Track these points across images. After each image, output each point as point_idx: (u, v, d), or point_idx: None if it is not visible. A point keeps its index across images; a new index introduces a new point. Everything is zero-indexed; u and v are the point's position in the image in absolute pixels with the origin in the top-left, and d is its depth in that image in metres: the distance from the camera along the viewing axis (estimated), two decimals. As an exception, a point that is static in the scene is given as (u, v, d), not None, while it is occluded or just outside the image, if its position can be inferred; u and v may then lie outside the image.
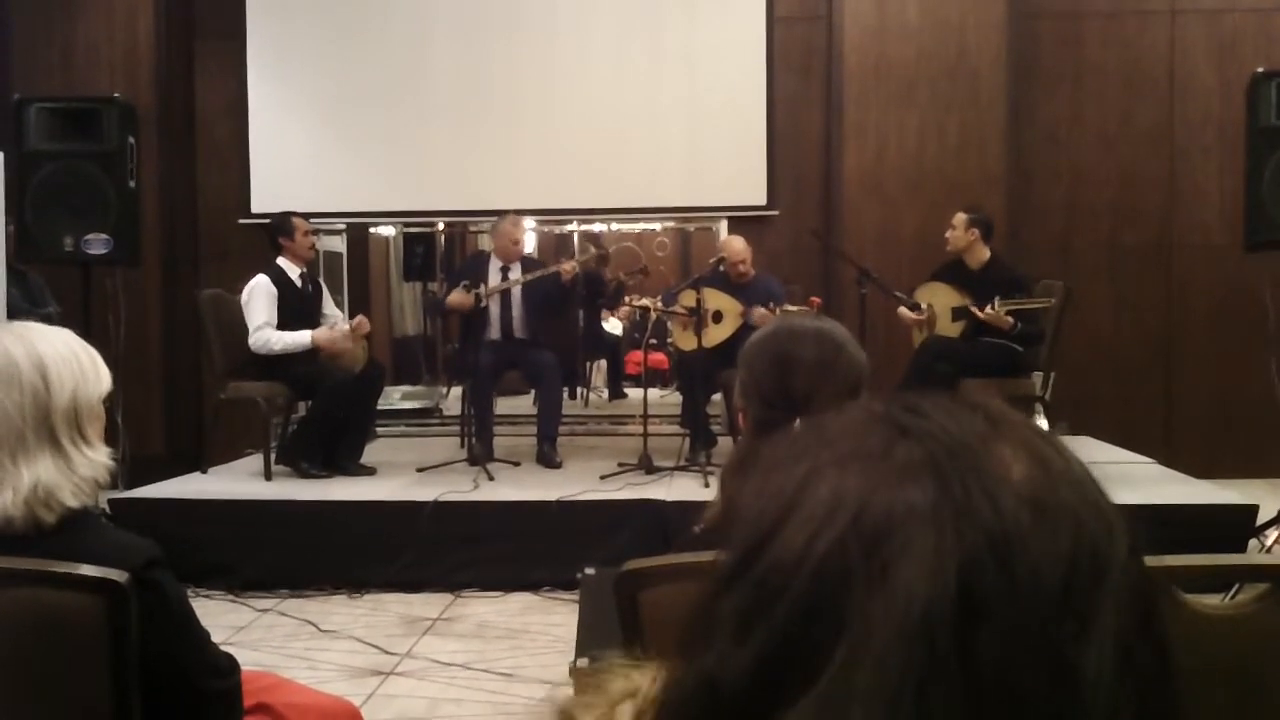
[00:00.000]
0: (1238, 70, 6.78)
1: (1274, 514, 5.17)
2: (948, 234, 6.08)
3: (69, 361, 1.79)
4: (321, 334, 6.13)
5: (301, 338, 6.07)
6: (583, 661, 2.29)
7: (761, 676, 0.58)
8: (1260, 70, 5.61)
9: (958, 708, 0.54)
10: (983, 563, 0.56)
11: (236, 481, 6.07)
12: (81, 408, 1.79)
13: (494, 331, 6.53)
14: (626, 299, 6.80)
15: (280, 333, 6.05)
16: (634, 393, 9.26)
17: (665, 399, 8.53)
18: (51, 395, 1.75)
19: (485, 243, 7.00)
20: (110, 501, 5.40)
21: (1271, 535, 5.10)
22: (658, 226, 9.06)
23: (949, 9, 7.31)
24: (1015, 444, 0.62)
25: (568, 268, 6.47)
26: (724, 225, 7.73)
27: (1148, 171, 7.63)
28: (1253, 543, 5.08)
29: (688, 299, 6.34)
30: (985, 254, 6.03)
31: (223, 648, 1.91)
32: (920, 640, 0.54)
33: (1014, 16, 7.37)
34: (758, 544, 0.61)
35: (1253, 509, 5.13)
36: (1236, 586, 2.02)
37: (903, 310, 6.13)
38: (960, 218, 6.05)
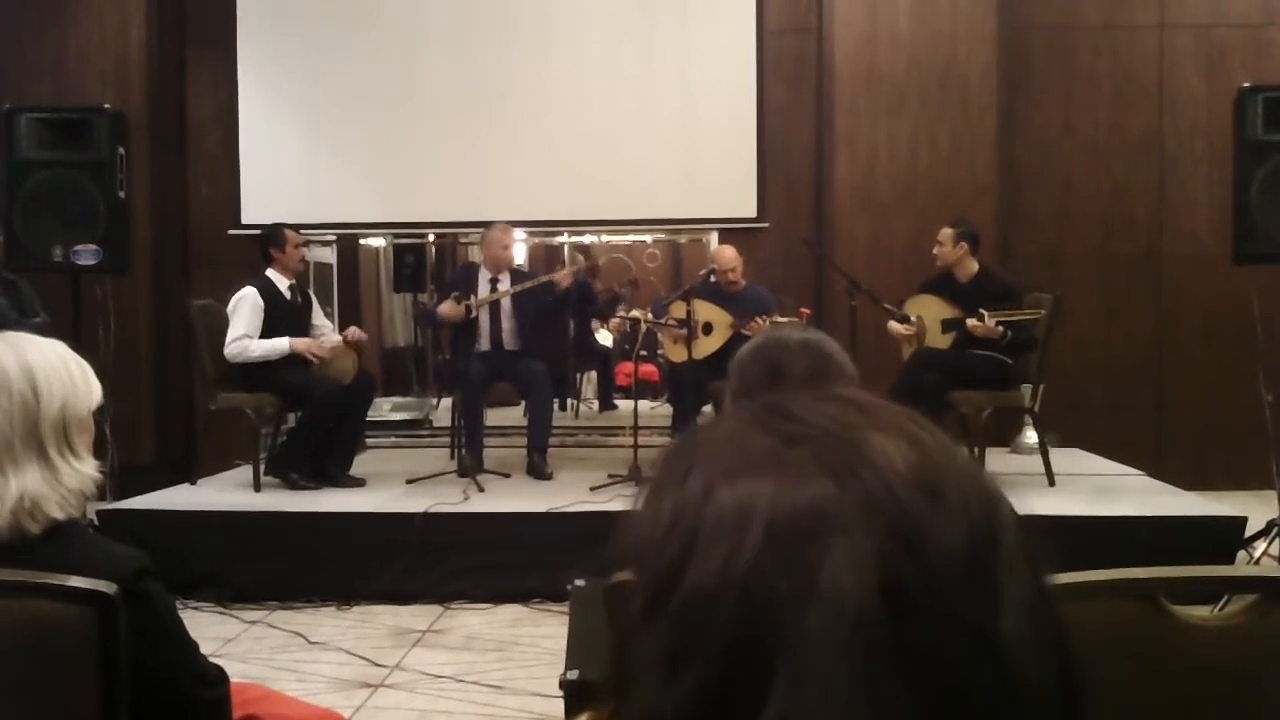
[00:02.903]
0: (1226, 82, 6.82)
1: (1262, 525, 5.18)
2: (935, 249, 6.07)
3: (59, 372, 1.78)
4: (301, 342, 6.11)
5: (280, 344, 6.05)
6: (573, 673, 2.29)
7: (704, 711, 0.56)
8: (1247, 85, 5.62)
9: (907, 701, 0.54)
10: (895, 555, 0.56)
11: (225, 492, 6.06)
12: (70, 419, 1.78)
13: (484, 342, 6.52)
14: (620, 310, 6.79)
15: (259, 341, 6.04)
16: (624, 404, 9.24)
17: (656, 410, 8.52)
18: (40, 405, 1.74)
19: (476, 254, 7.00)
20: (98, 512, 5.39)
21: (1260, 547, 5.11)
22: (648, 238, 9.06)
23: (940, 19, 7.34)
24: (889, 429, 0.61)
25: (564, 275, 6.47)
26: (714, 237, 7.75)
27: (1138, 181, 7.67)
28: (1241, 554, 5.09)
29: (678, 310, 6.34)
30: (974, 266, 6.03)
31: (211, 659, 1.91)
32: (859, 644, 0.54)
33: (1004, 27, 7.40)
34: (668, 577, 0.59)
35: (1241, 520, 5.13)
36: (1225, 598, 2.02)
37: (892, 325, 6.11)
38: (947, 232, 6.04)
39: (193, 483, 6.29)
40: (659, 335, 6.95)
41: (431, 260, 9.30)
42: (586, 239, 8.85)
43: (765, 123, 7.75)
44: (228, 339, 6.03)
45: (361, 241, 8.88)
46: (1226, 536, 5.08)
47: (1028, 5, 7.66)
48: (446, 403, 7.94)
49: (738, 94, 7.73)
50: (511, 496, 5.83)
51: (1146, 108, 7.68)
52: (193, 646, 1.85)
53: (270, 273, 6.25)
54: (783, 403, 0.64)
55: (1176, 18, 7.65)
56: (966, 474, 0.61)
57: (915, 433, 0.62)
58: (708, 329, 6.43)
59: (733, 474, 0.60)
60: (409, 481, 6.15)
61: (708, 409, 6.64)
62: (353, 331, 6.36)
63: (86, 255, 6.11)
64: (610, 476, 6.06)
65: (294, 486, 5.97)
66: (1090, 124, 7.71)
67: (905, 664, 0.54)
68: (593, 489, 5.88)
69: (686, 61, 7.75)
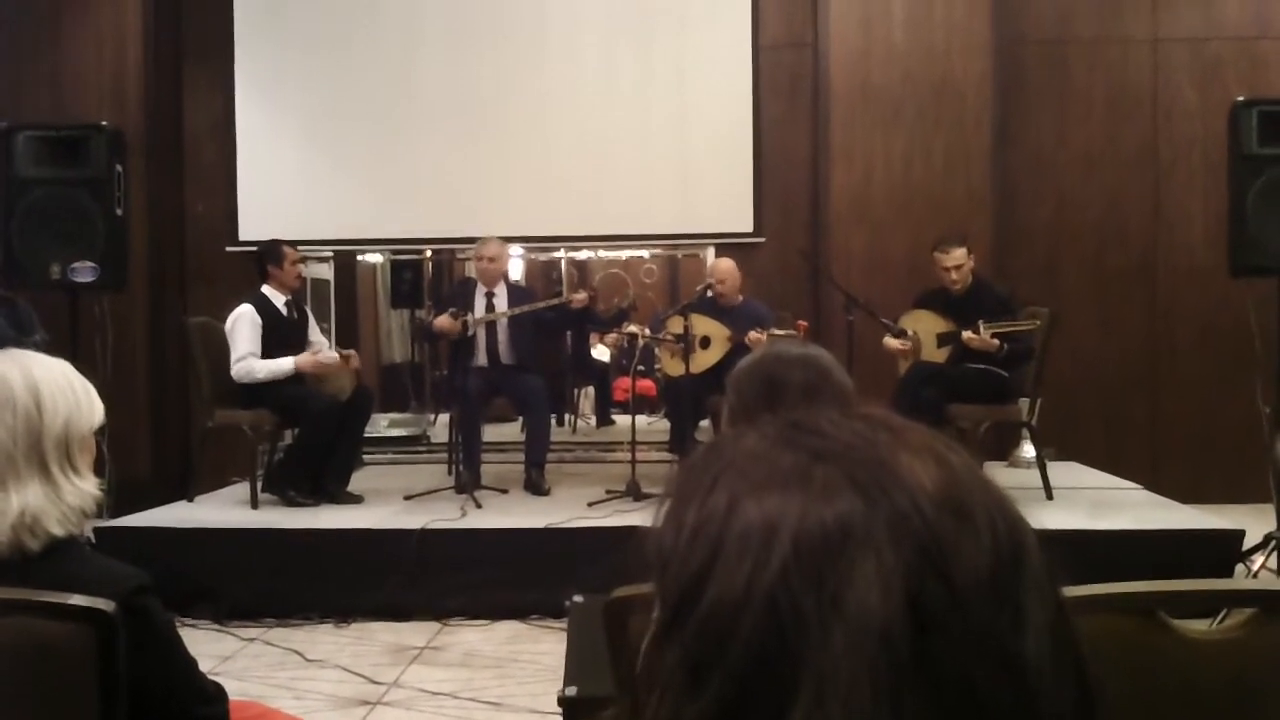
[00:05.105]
0: (1221, 95, 6.84)
1: (1260, 539, 5.19)
2: (954, 274, 5.93)
3: (64, 390, 1.80)
4: (305, 359, 6.11)
5: (284, 364, 6.05)
6: (571, 690, 2.28)
7: None
8: (1241, 99, 5.63)
9: (929, 717, 0.55)
10: (922, 574, 0.56)
11: (223, 510, 6.05)
12: (73, 436, 1.79)
13: (481, 357, 6.52)
14: (624, 325, 6.79)
15: (264, 361, 6.04)
16: (622, 419, 9.24)
17: (653, 425, 8.52)
18: (44, 421, 1.76)
19: (473, 270, 7.01)
20: (95, 530, 5.37)
21: (1258, 560, 5.11)
22: (645, 253, 9.07)
23: (935, 33, 7.35)
24: (917, 449, 0.62)
25: (580, 299, 6.48)
26: (711, 251, 7.77)
27: (1133, 194, 7.68)
28: (1239, 567, 5.09)
29: (675, 325, 6.35)
30: (969, 278, 6.03)
31: (209, 677, 1.91)
32: (884, 662, 0.55)
33: (999, 40, 7.42)
34: (691, 588, 0.59)
35: (1239, 534, 5.14)
36: (1224, 612, 2.02)
37: (888, 341, 6.09)
38: (961, 252, 5.94)
39: (190, 500, 6.28)
40: (656, 350, 6.96)
41: (429, 276, 9.31)
42: (583, 255, 8.85)
43: (761, 137, 7.77)
44: (232, 359, 6.03)
45: (359, 257, 8.89)
46: (1224, 550, 5.08)
47: (1022, 19, 7.69)
48: (444, 418, 7.94)
49: (733, 108, 7.75)
50: (509, 512, 5.82)
51: (1141, 121, 7.70)
52: (192, 664, 1.85)
53: (266, 289, 6.25)
54: (810, 420, 0.64)
55: (1170, 31, 7.68)
56: (993, 496, 0.61)
57: (943, 453, 0.62)
58: (705, 343, 6.44)
59: (759, 488, 0.60)
60: (407, 498, 6.14)
61: (705, 424, 6.64)
62: (353, 357, 6.34)
63: (84, 273, 6.11)
64: (608, 492, 6.06)
65: (291, 503, 5.96)
66: (1085, 137, 7.73)
67: (929, 683, 0.55)
68: (590, 505, 5.88)
69: (682, 76, 7.77)
